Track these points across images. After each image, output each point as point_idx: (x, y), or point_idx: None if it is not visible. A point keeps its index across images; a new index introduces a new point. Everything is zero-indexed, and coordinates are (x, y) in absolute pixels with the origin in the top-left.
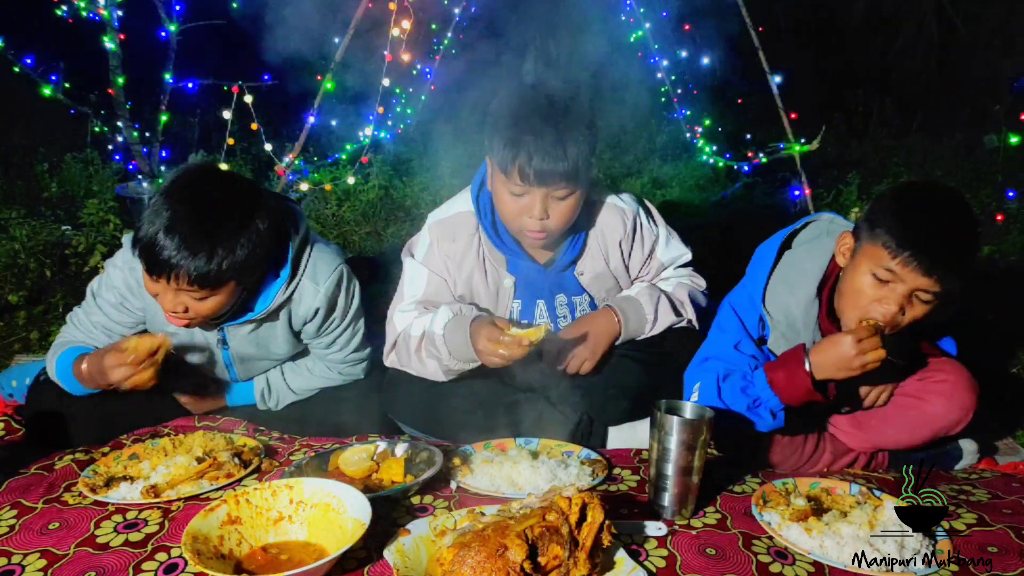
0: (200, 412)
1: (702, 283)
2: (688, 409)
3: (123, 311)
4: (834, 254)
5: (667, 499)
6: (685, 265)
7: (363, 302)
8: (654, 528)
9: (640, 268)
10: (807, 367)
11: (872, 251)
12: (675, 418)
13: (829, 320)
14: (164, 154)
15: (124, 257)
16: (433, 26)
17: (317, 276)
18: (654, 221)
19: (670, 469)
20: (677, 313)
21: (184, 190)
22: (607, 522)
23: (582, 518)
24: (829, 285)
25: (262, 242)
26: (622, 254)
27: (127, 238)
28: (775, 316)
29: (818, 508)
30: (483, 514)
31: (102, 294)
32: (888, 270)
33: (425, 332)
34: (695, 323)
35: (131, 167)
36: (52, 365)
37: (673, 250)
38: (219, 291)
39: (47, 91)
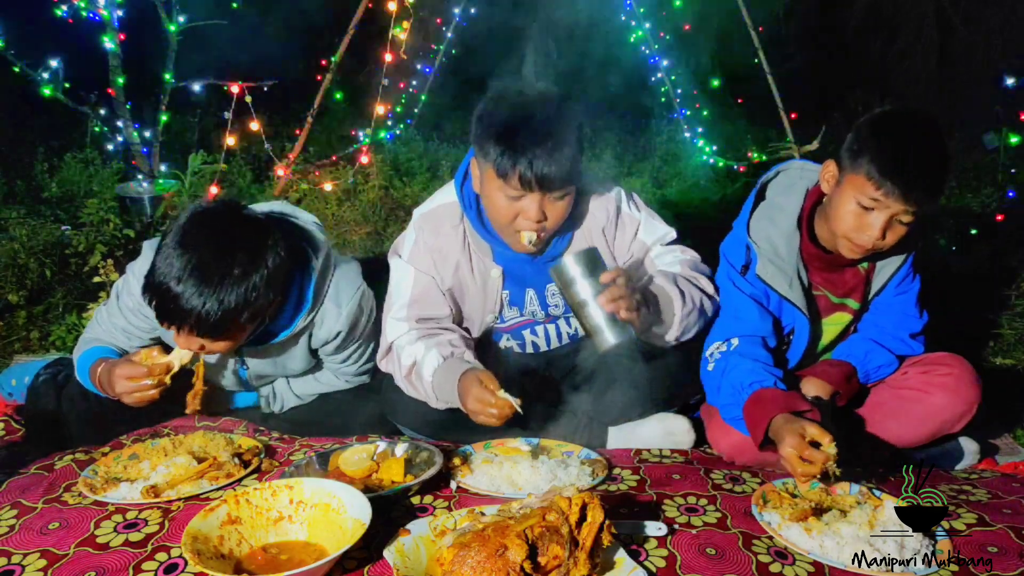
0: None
1: (695, 255)
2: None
3: (140, 317)
4: (816, 183)
5: (604, 323)
6: (672, 243)
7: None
8: (654, 528)
9: (626, 252)
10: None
11: (856, 180)
12: (567, 257)
13: (812, 244)
14: (164, 154)
15: (142, 266)
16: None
17: (340, 299)
18: (635, 205)
19: (589, 301)
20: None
21: (191, 237)
22: (607, 522)
23: (582, 518)
24: (806, 218)
25: (275, 279)
26: (606, 241)
27: (148, 244)
28: (760, 244)
29: (818, 508)
30: (483, 514)
31: (123, 297)
32: (872, 199)
33: (415, 364)
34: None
35: (131, 167)
36: (75, 363)
37: (656, 230)
38: (231, 335)
39: (47, 91)
